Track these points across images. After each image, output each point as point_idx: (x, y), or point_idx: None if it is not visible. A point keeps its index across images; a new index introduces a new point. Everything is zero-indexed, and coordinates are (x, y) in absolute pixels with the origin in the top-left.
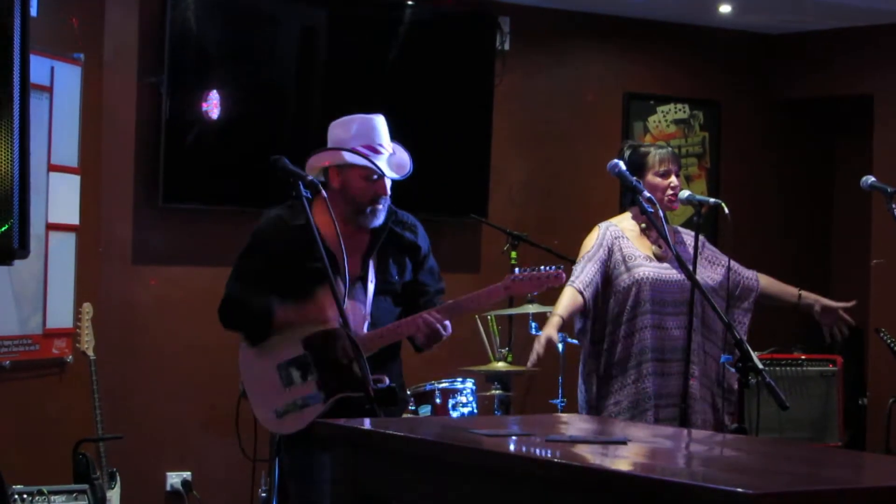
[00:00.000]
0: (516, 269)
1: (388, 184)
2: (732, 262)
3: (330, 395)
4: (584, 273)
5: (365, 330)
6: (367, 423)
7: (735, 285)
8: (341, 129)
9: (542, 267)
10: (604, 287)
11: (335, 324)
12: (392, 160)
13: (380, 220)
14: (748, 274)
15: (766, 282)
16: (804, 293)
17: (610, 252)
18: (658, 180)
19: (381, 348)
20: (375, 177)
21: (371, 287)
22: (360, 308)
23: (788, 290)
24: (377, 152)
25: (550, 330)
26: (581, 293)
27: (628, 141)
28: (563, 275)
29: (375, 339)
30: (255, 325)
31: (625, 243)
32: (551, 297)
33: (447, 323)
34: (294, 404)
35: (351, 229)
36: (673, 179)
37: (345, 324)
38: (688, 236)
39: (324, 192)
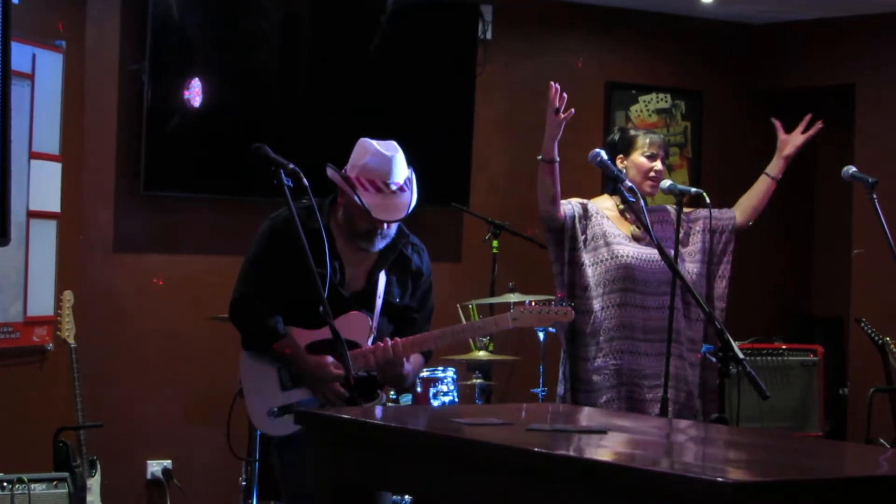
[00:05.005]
0: (527, 302)
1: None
2: (713, 215)
3: (325, 403)
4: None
5: (369, 343)
6: (347, 413)
7: (715, 237)
8: (359, 154)
9: (553, 302)
10: (578, 252)
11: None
12: (394, 202)
13: (377, 246)
14: (725, 219)
15: (741, 209)
16: (767, 169)
17: (590, 217)
18: (643, 160)
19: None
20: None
21: (379, 302)
22: (367, 320)
23: (760, 184)
24: (381, 192)
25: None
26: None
27: (620, 125)
28: (573, 312)
29: (379, 353)
30: (256, 341)
31: (605, 221)
32: (532, 285)
33: (408, 358)
34: (289, 407)
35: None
36: (658, 163)
37: (326, 313)
38: (669, 212)
39: (305, 180)
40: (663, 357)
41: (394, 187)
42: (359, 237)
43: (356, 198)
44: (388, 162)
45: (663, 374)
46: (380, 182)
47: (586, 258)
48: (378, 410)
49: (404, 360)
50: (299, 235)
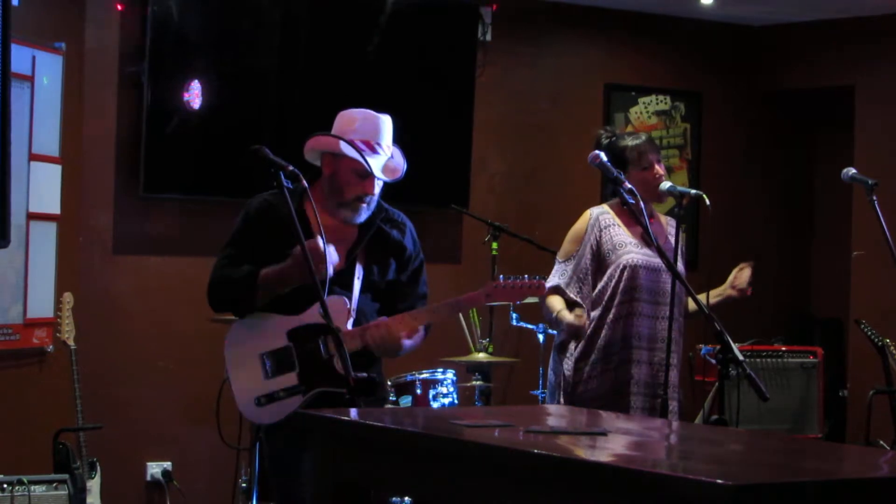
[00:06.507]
0: (500, 277)
1: (378, 185)
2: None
3: (310, 389)
4: (572, 278)
5: (349, 326)
6: (346, 414)
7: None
8: (346, 120)
9: (526, 276)
10: (594, 272)
11: (316, 313)
12: (387, 163)
13: (361, 217)
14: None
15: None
16: (711, 292)
17: (598, 244)
18: (643, 174)
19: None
20: (365, 174)
21: (357, 283)
22: (345, 303)
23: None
24: (374, 151)
25: (570, 315)
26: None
27: (603, 132)
28: (545, 285)
29: (357, 337)
30: (241, 292)
31: (614, 231)
32: None
33: (410, 336)
34: (274, 395)
35: (338, 223)
36: (657, 168)
37: (325, 314)
38: (671, 227)
39: (304, 182)
40: (651, 365)
41: (386, 149)
42: (345, 207)
43: (359, 157)
44: (377, 120)
45: (654, 384)
46: (373, 142)
47: (601, 273)
48: (377, 412)
49: (401, 336)
50: (285, 218)
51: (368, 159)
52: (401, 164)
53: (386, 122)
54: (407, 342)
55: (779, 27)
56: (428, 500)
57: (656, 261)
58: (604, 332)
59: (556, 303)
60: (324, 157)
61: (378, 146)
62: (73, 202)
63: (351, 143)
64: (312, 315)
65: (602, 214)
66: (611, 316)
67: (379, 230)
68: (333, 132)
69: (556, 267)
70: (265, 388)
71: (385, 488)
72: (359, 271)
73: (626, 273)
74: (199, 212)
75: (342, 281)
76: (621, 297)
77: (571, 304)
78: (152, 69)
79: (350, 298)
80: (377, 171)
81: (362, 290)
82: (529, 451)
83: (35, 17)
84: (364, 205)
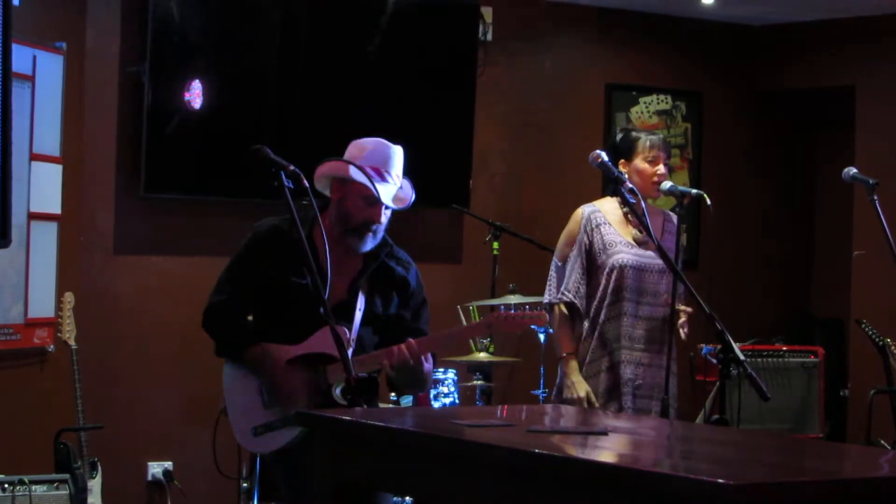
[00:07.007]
0: (501, 307)
1: (386, 215)
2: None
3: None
4: (570, 279)
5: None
6: (347, 414)
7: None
8: (357, 148)
9: (527, 307)
10: (588, 272)
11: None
12: (396, 193)
13: (367, 246)
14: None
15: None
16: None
17: (590, 243)
18: (645, 165)
19: None
20: (373, 201)
21: (359, 314)
22: (344, 332)
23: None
24: (383, 179)
25: (580, 382)
26: (572, 304)
27: (622, 126)
28: (547, 315)
29: (357, 366)
30: (227, 346)
31: (605, 230)
32: (532, 287)
33: (427, 359)
34: (272, 425)
35: (343, 252)
36: (660, 167)
37: (327, 314)
38: (669, 223)
39: (307, 184)
40: (655, 369)
41: (396, 178)
42: (351, 234)
43: (368, 183)
44: (387, 150)
45: (654, 387)
46: (382, 170)
47: (592, 274)
48: (379, 412)
49: (422, 357)
50: (294, 245)
51: (377, 186)
52: (409, 194)
53: (397, 153)
54: (426, 365)
55: (779, 27)
56: (428, 500)
57: (646, 260)
58: (596, 333)
59: (565, 342)
60: (333, 182)
61: (387, 174)
62: (73, 202)
63: (361, 169)
64: (312, 345)
65: (594, 213)
66: (602, 317)
67: (383, 265)
68: (344, 159)
69: (553, 269)
70: (262, 418)
71: (386, 488)
72: (360, 302)
73: (614, 274)
74: (200, 212)
75: (344, 312)
76: (611, 298)
77: (570, 306)
78: (153, 69)
79: (350, 328)
80: (385, 199)
81: (363, 322)
82: (529, 450)
83: (35, 17)
84: (370, 233)
